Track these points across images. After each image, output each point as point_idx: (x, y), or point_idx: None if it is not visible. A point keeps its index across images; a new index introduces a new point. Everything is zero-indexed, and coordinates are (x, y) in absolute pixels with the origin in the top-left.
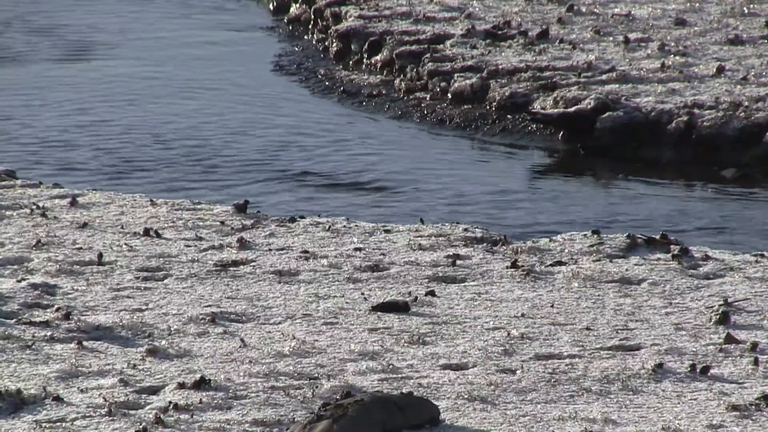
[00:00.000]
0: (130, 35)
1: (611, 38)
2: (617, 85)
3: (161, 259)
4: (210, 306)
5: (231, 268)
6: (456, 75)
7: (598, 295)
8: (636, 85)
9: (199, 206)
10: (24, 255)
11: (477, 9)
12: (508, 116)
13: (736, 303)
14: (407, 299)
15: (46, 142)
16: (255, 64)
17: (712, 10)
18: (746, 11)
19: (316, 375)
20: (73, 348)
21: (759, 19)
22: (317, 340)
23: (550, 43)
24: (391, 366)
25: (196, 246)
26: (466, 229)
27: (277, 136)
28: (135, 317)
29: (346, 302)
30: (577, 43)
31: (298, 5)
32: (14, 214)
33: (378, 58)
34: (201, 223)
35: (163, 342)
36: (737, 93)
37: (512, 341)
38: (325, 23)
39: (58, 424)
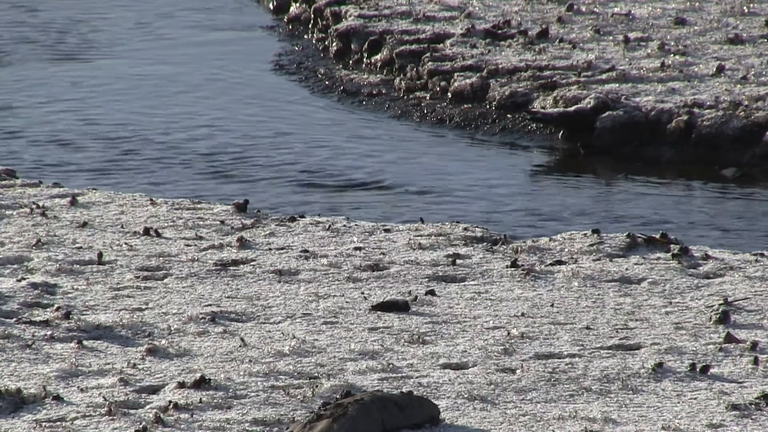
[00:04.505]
0: (129, 34)
1: (611, 37)
2: (617, 85)
3: (161, 258)
4: (210, 305)
5: (231, 268)
6: (456, 74)
7: (598, 295)
8: (636, 85)
9: (199, 205)
10: (24, 254)
11: (477, 8)
12: (508, 116)
13: (736, 302)
14: (407, 298)
15: (46, 142)
16: (255, 64)
17: (712, 10)
18: (746, 10)
19: (316, 374)
20: (73, 347)
21: (759, 18)
22: (317, 340)
23: (550, 43)
24: (390, 365)
25: (196, 245)
26: (466, 229)
27: (277, 135)
28: (135, 316)
29: (346, 301)
30: (577, 43)
31: (297, 4)
32: (14, 213)
33: (378, 57)
34: (201, 223)
35: (163, 341)
36: (737, 92)
37: (512, 340)
38: (324, 22)
39: (58, 423)
